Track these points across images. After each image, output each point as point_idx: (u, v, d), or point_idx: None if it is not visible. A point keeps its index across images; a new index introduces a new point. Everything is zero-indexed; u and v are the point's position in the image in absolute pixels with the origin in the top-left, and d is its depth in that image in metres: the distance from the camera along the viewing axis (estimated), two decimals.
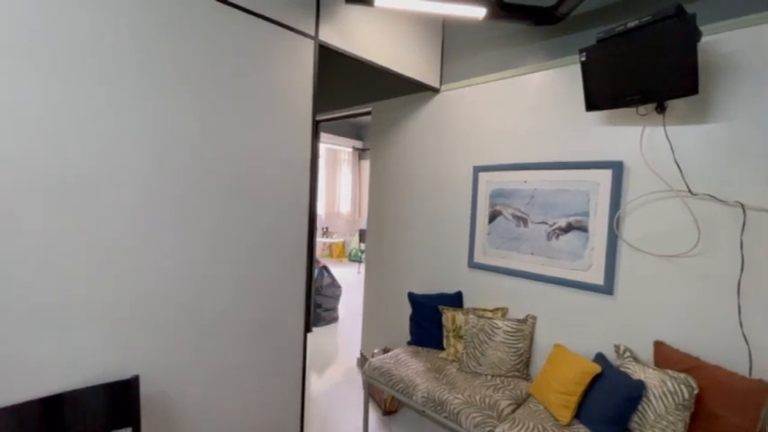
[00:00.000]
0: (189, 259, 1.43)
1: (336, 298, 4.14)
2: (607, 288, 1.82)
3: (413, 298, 2.47)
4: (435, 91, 2.53)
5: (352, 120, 7.38)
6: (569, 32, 1.98)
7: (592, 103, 1.72)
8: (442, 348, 2.32)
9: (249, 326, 1.64)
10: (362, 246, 6.54)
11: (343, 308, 4.35)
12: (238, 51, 1.52)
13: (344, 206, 8.42)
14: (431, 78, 2.45)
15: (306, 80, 1.76)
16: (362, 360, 3.02)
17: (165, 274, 1.37)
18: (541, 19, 1.90)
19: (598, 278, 1.85)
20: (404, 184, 2.78)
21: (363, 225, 7.77)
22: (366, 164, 8.42)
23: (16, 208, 1.07)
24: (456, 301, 2.41)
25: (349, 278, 6.15)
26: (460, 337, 2.22)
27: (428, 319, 2.39)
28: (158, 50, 1.31)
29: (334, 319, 4.15)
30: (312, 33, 1.75)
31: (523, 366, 2.03)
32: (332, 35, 1.83)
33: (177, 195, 1.39)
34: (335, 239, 8.18)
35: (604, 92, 1.66)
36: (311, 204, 1.85)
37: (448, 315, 2.28)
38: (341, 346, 3.64)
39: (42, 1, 1.08)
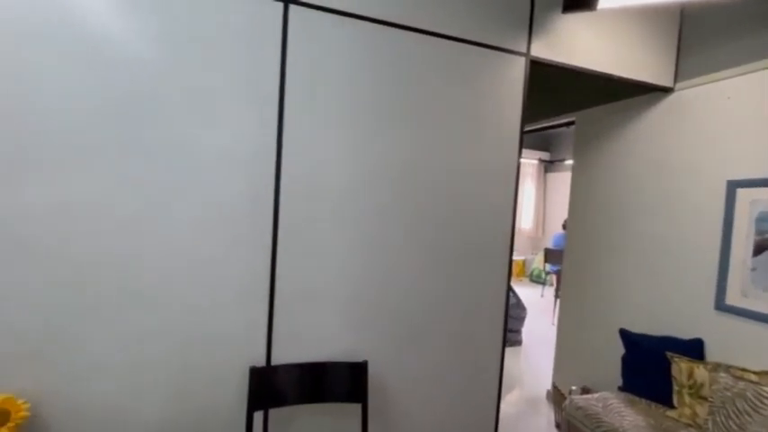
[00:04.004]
0: (406, 268, 1.62)
1: (521, 320, 3.92)
2: None
3: (627, 336, 2.10)
4: (667, 91, 2.11)
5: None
6: None
7: None
8: (669, 405, 1.87)
9: (452, 335, 1.72)
10: (548, 266, 5.97)
11: (526, 332, 4.08)
12: (455, 79, 1.64)
13: (526, 222, 7.93)
14: (661, 77, 2.06)
15: (516, 96, 1.75)
16: (555, 393, 2.74)
17: (387, 278, 1.59)
18: None
19: None
20: (616, 202, 2.41)
21: (547, 243, 7.12)
22: (553, 177, 7.73)
23: (314, 215, 1.46)
24: (692, 349, 1.91)
25: (531, 300, 5.72)
26: (702, 397, 1.74)
27: (649, 365, 1.98)
28: (392, 90, 1.56)
29: (518, 342, 3.92)
30: (524, 51, 1.74)
31: None
32: (543, 49, 1.78)
33: (402, 211, 1.60)
34: (515, 257, 7.77)
35: None
36: (513, 219, 1.82)
37: (681, 366, 1.83)
38: (525, 372, 3.41)
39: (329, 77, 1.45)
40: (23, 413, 1.10)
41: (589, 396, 1.97)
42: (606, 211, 2.48)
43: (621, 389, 2.07)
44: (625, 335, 2.10)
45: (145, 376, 1.30)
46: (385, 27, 1.52)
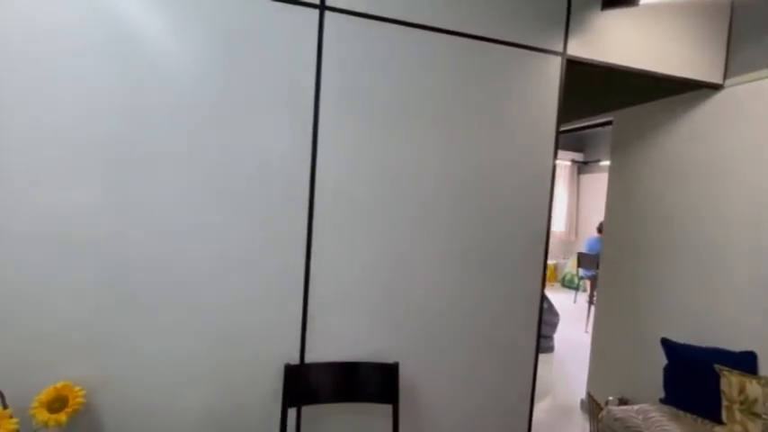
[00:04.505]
0: (439, 271, 1.61)
1: (553, 326, 3.81)
2: None
3: (670, 346, 1.99)
4: (716, 88, 2.00)
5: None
6: None
7: None
8: (717, 421, 1.77)
9: (485, 339, 1.70)
10: (581, 271, 5.76)
11: (558, 339, 3.95)
12: (488, 80, 1.62)
13: (558, 225, 7.68)
14: (709, 73, 1.95)
15: (551, 97, 1.71)
16: (591, 403, 2.64)
17: (420, 280, 1.59)
18: None
19: None
20: (659, 204, 2.30)
21: (580, 247, 6.86)
22: (587, 178, 7.46)
23: (348, 217, 1.48)
24: (744, 363, 1.79)
25: (564, 307, 5.53)
26: (755, 414, 1.63)
27: (695, 378, 1.87)
28: (425, 93, 1.56)
29: (550, 349, 3.81)
30: (560, 50, 1.70)
31: None
32: (580, 48, 1.73)
33: (435, 214, 1.59)
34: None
35: None
36: (549, 222, 1.77)
37: (731, 380, 1.72)
38: (558, 380, 3.30)
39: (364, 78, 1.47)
40: (80, 399, 1.18)
41: (628, 407, 1.89)
42: (647, 213, 2.38)
43: (663, 401, 1.96)
44: (668, 345, 2.00)
45: (185, 372, 1.36)
46: (421, 30, 1.52)
